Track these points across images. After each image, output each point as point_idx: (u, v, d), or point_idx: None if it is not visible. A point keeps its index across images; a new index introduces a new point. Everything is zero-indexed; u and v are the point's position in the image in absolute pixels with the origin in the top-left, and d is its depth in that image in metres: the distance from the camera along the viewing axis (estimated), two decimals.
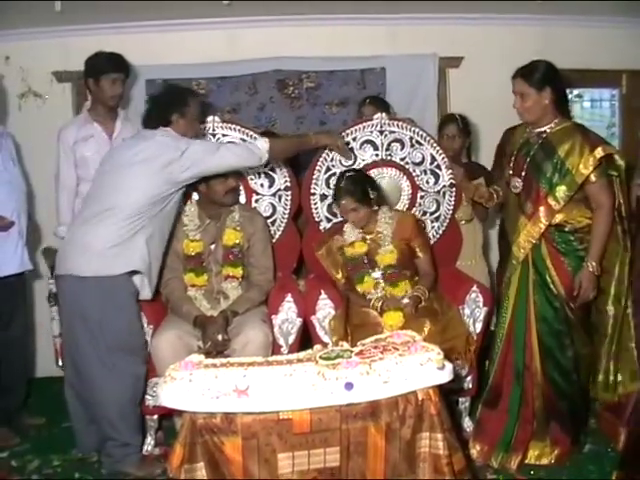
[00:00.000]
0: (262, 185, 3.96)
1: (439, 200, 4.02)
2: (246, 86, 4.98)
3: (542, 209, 3.22)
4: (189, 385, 2.47)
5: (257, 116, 5.02)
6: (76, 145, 3.93)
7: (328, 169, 3.93)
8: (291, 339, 3.53)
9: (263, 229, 3.74)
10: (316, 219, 3.99)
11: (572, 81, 5.23)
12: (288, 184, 3.95)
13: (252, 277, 3.67)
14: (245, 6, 4.45)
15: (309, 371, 2.53)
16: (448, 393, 2.93)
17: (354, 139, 3.94)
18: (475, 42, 5.07)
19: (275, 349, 3.48)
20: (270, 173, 3.95)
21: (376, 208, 3.62)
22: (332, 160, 3.92)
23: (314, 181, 3.94)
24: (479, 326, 3.54)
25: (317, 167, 3.93)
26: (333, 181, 3.87)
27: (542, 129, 3.29)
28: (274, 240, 3.92)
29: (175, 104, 3.38)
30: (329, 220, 3.98)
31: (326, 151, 3.90)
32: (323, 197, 3.96)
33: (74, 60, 4.79)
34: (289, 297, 3.53)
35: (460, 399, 3.59)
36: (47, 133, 4.67)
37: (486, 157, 4.60)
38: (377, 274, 3.58)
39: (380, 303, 3.48)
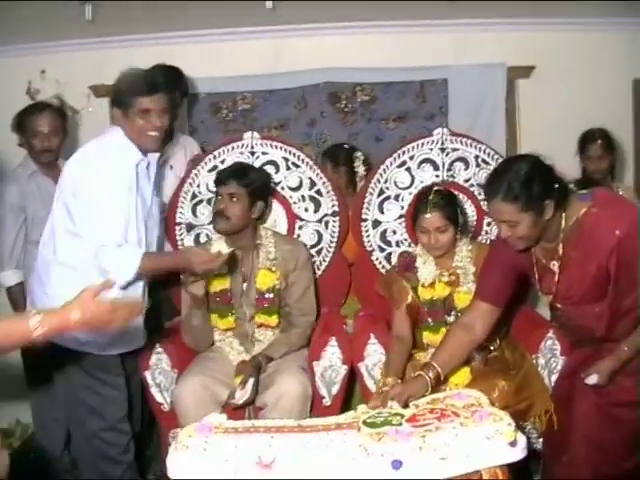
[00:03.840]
0: (306, 210, 3.66)
1: None
2: (295, 100, 4.75)
3: None
4: (203, 455, 2.12)
5: (307, 132, 4.79)
6: None
7: (381, 192, 3.60)
8: (335, 389, 3.15)
9: (305, 265, 3.38)
10: (367, 248, 3.63)
11: None
12: (336, 209, 3.64)
13: (292, 318, 3.33)
14: (291, 11, 4.17)
15: (349, 442, 2.13)
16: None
17: (412, 157, 3.59)
18: (547, 50, 4.71)
19: (316, 400, 3.12)
20: (315, 196, 3.64)
21: (458, 237, 3.18)
22: (386, 182, 3.59)
23: (365, 205, 3.61)
24: (555, 379, 3.05)
25: (369, 190, 3.60)
26: (387, 206, 3.59)
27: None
28: (319, 272, 3.61)
29: None
30: (382, 250, 3.64)
31: (379, 172, 3.58)
32: (376, 223, 3.62)
33: (112, 73, 4.55)
34: (333, 341, 3.16)
35: (532, 465, 3.11)
36: None
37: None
38: (452, 318, 3.13)
39: None
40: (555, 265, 2.55)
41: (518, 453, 2.10)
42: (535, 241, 2.54)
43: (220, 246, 2.85)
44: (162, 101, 2.89)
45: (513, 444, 2.09)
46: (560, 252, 2.52)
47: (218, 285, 3.24)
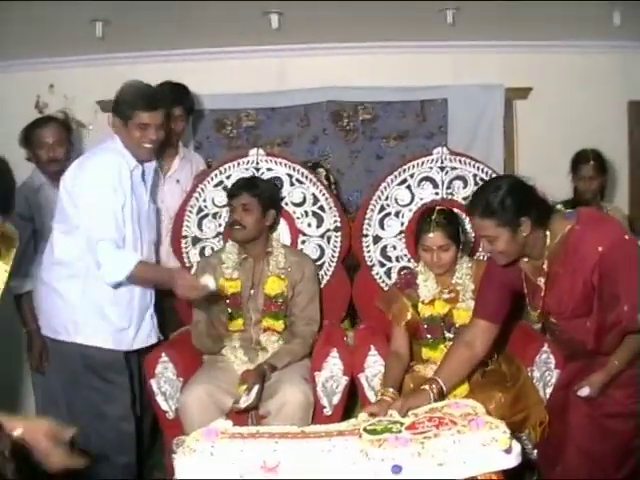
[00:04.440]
0: (309, 225, 3.71)
1: None
2: (298, 117, 4.81)
3: None
4: (209, 460, 2.17)
5: (309, 149, 4.83)
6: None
7: (382, 208, 3.66)
8: (336, 399, 3.19)
9: (312, 277, 3.46)
10: (368, 263, 3.69)
11: None
12: (338, 224, 3.70)
13: (295, 328, 3.39)
14: (295, 31, 4.24)
15: (350, 448, 2.18)
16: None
17: (412, 175, 3.64)
18: (544, 71, 4.79)
19: (317, 410, 3.16)
20: (318, 212, 3.70)
21: (459, 255, 3.22)
22: (387, 199, 3.65)
23: (366, 221, 3.67)
24: (549, 391, 3.11)
25: (370, 206, 3.66)
26: (387, 222, 3.66)
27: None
28: (321, 285, 3.65)
29: None
30: (382, 265, 3.69)
31: (380, 189, 3.65)
32: (376, 239, 3.67)
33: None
34: (334, 352, 3.20)
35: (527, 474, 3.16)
36: None
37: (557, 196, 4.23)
38: (451, 334, 3.16)
39: None
40: (541, 281, 2.65)
41: (513, 460, 2.16)
42: (516, 256, 2.63)
43: (208, 280, 2.88)
44: (160, 117, 3.00)
45: (508, 451, 2.15)
46: (545, 269, 2.62)
47: (230, 288, 3.33)
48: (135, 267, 2.86)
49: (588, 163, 4.06)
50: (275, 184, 3.64)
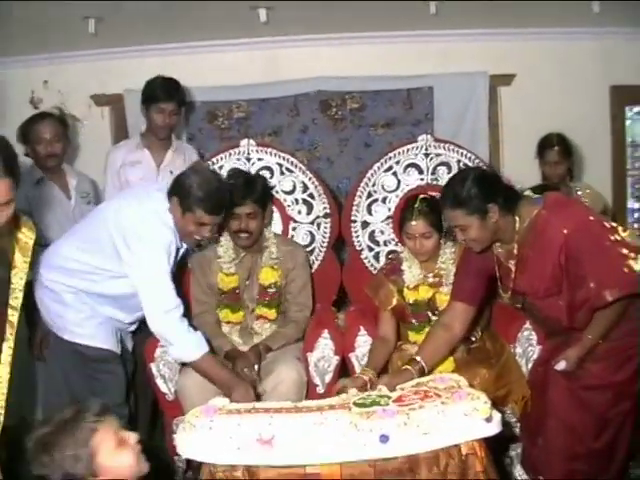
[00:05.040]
0: (300, 212, 3.78)
1: None
2: (287, 108, 4.89)
3: None
4: (209, 434, 2.27)
5: (299, 139, 4.93)
6: (122, 168, 3.90)
7: (370, 195, 3.75)
8: (327, 378, 3.29)
9: (304, 264, 3.53)
10: (357, 248, 3.78)
11: (633, 98, 4.99)
12: (327, 211, 3.77)
13: (289, 313, 3.47)
14: (285, 24, 4.33)
15: (341, 420, 2.30)
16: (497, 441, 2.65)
17: (398, 162, 3.73)
18: (527, 58, 4.89)
19: (310, 389, 3.27)
20: (308, 199, 3.78)
21: (442, 242, 3.30)
22: (374, 185, 3.74)
23: (355, 208, 3.75)
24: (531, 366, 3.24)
25: (358, 193, 3.75)
26: (375, 208, 3.73)
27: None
28: (312, 270, 3.72)
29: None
30: (371, 249, 3.78)
31: (367, 176, 3.73)
32: (364, 224, 3.76)
33: (112, 83, 4.79)
34: (326, 333, 3.31)
35: (511, 445, 3.29)
36: (86, 158, 4.64)
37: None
38: (435, 317, 3.25)
39: None
40: (512, 264, 2.79)
41: (494, 428, 2.29)
42: (489, 243, 2.78)
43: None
44: (219, 219, 3.06)
45: (489, 420, 2.28)
46: (516, 252, 2.76)
47: (229, 283, 3.39)
48: (202, 357, 2.93)
49: (553, 148, 4.13)
50: (263, 176, 3.64)
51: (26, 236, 2.38)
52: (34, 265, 3.32)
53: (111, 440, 2.03)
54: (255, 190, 3.31)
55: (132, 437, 2.11)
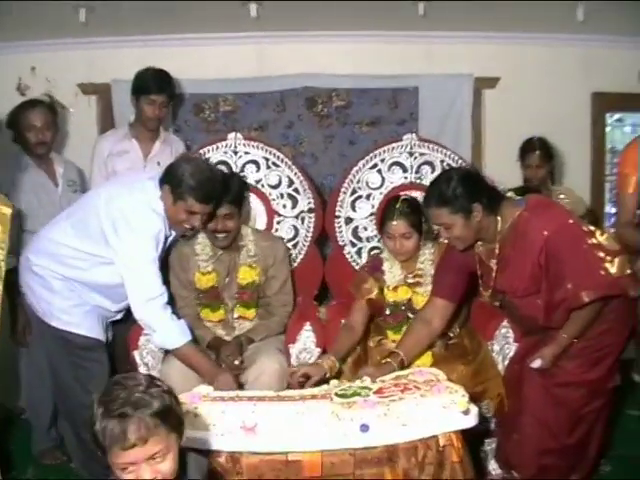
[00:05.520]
0: (284, 206, 3.80)
1: None
2: (274, 103, 4.88)
3: None
4: (193, 420, 2.32)
5: (285, 134, 4.92)
6: (109, 158, 3.92)
7: (354, 191, 3.79)
8: None
9: (283, 259, 3.53)
10: (340, 243, 3.83)
11: (613, 105, 5.08)
12: (312, 206, 3.80)
13: (270, 308, 3.50)
14: (274, 19, 4.34)
15: (322, 410, 2.37)
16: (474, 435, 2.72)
17: (382, 160, 3.78)
18: (512, 62, 4.93)
19: None
20: (293, 194, 3.81)
21: (422, 242, 3.33)
22: (358, 182, 3.78)
23: (339, 203, 3.79)
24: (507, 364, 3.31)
25: (342, 189, 3.79)
26: (359, 204, 3.77)
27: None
28: (295, 264, 3.76)
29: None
30: (353, 245, 3.83)
31: (352, 173, 3.77)
32: (348, 220, 3.81)
33: (100, 72, 4.79)
34: (307, 326, 3.36)
35: (486, 440, 3.37)
36: (72, 146, 4.64)
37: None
38: (412, 316, 3.29)
39: None
40: (493, 263, 2.87)
41: (471, 420, 2.37)
42: (472, 241, 2.86)
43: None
44: (209, 209, 3.07)
45: (466, 412, 2.36)
46: (497, 252, 2.83)
47: (208, 282, 3.37)
48: (185, 345, 2.98)
49: (534, 152, 4.21)
50: (238, 174, 3.64)
51: (2, 209, 2.41)
52: (20, 250, 3.37)
53: None
54: (231, 191, 3.29)
55: None
